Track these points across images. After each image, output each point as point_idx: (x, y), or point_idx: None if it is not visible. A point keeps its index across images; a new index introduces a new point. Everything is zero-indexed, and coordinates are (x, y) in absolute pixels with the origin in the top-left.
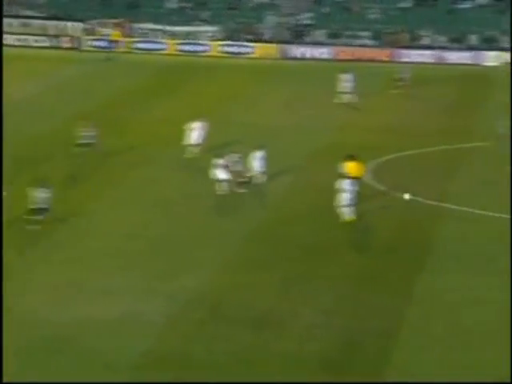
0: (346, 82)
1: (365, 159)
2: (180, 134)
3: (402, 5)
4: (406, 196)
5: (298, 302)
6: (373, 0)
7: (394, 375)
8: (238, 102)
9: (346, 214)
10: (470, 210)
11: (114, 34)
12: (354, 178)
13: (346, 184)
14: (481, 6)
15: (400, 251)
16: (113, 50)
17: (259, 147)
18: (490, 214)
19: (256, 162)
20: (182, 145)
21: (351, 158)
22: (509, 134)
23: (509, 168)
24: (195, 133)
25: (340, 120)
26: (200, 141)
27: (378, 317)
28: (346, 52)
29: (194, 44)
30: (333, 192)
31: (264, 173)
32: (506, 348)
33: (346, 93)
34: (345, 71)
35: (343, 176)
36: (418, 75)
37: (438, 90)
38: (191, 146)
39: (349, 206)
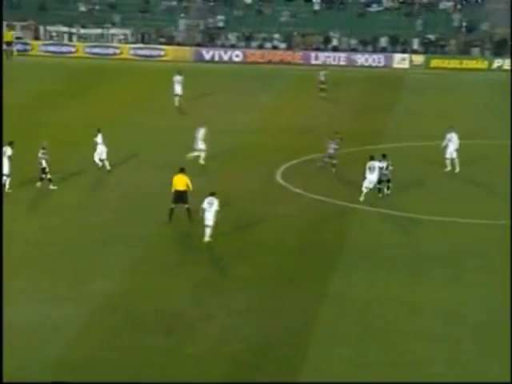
0: (177, 83)
1: (279, 160)
2: (89, 138)
3: (313, 7)
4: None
5: (210, 304)
6: (284, 3)
7: (308, 374)
8: (148, 106)
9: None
10: (381, 210)
11: (6, 34)
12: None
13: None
14: (389, 9)
15: (312, 252)
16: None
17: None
18: (404, 214)
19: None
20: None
21: (180, 170)
22: None
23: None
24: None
25: (244, 122)
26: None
27: (292, 317)
28: (257, 54)
29: (104, 47)
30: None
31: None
32: (412, 346)
33: (177, 95)
34: (178, 72)
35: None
36: (329, 77)
37: (350, 92)
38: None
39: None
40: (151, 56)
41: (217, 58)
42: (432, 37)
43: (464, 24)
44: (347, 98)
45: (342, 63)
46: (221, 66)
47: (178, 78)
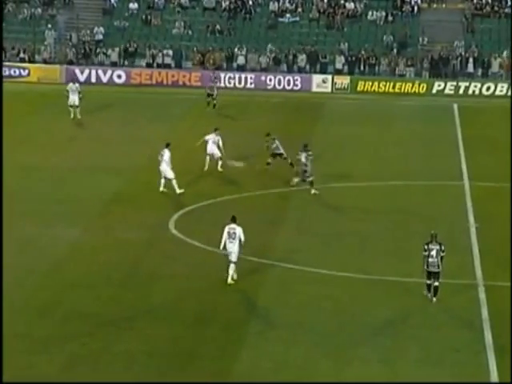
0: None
1: (172, 206)
2: None
3: (212, 17)
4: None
5: None
6: (177, 11)
7: None
8: (9, 139)
9: None
10: (298, 267)
11: None
12: None
13: None
14: (310, 20)
15: (215, 320)
16: None
17: None
18: (327, 272)
19: None
20: None
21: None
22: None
23: None
24: None
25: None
26: None
27: None
28: (143, 75)
29: None
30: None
31: None
32: None
33: (73, 106)
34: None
35: None
36: (235, 102)
37: (258, 122)
38: None
39: None
40: (10, 76)
41: (94, 79)
42: (359, 54)
43: (397, 39)
44: (254, 129)
45: (249, 86)
46: (99, 88)
47: (73, 86)
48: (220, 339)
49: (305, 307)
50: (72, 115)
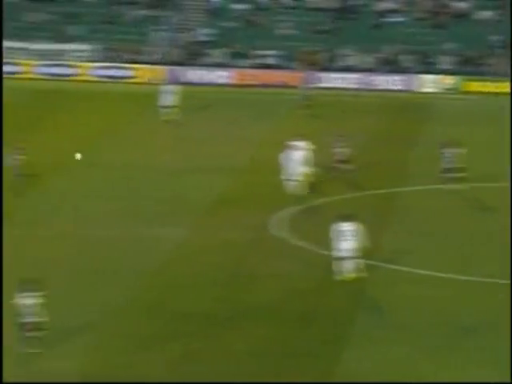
0: (166, 94)
1: (276, 206)
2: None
3: (318, 18)
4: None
5: None
6: (283, 13)
7: None
8: (115, 139)
9: None
10: (403, 268)
11: None
12: None
13: None
14: (416, 20)
15: (319, 320)
16: None
17: None
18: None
19: None
20: None
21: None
22: None
23: None
24: None
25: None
26: None
27: None
28: (248, 75)
29: (61, 66)
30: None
31: None
32: None
33: (166, 107)
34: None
35: None
36: (339, 102)
37: (364, 121)
38: None
39: None
40: (117, 77)
41: (199, 80)
42: (466, 54)
43: (505, 38)
44: (360, 130)
45: (354, 86)
46: (204, 89)
47: (168, 87)
48: (323, 339)
49: (408, 308)
50: (171, 116)
